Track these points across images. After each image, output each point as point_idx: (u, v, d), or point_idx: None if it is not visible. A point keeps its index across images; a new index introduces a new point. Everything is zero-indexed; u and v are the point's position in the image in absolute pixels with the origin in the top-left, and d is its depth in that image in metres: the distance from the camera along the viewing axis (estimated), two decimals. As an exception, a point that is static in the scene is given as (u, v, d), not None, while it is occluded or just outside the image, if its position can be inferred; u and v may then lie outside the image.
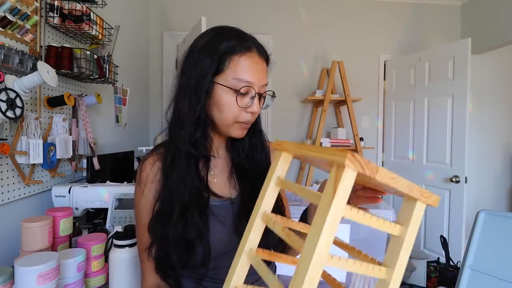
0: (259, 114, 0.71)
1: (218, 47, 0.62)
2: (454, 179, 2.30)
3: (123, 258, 0.83)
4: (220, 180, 0.72)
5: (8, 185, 1.05)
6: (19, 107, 0.97)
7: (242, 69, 0.62)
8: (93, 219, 1.36)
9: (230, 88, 0.62)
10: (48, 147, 1.19)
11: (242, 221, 0.66)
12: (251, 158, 0.72)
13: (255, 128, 0.72)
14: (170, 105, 0.68)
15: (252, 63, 0.63)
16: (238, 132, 0.66)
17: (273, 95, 0.70)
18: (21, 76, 1.02)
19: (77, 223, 1.20)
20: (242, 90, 0.61)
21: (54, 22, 1.22)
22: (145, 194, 0.68)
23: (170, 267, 0.65)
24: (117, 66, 1.65)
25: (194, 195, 0.64)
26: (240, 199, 0.70)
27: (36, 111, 1.18)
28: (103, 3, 1.35)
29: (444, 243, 2.04)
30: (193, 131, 0.64)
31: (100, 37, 1.42)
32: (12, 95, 0.95)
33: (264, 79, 0.65)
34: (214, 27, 0.68)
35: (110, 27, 1.50)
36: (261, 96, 0.66)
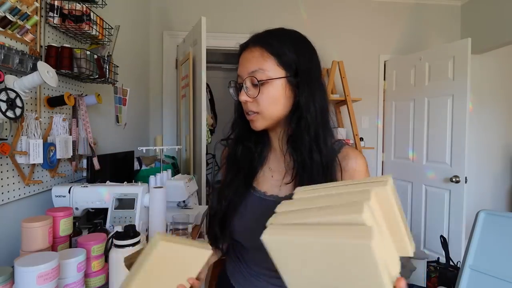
0: (302, 109, 0.65)
1: None
2: (454, 179, 2.30)
3: (123, 258, 0.83)
4: (275, 176, 0.73)
5: (8, 185, 1.05)
6: (19, 107, 0.97)
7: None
8: (93, 219, 1.36)
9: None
10: (48, 147, 1.18)
11: None
12: (308, 159, 0.65)
13: (299, 128, 0.65)
14: None
15: (241, 59, 0.69)
16: (251, 124, 0.70)
17: (260, 82, 0.64)
18: (21, 76, 1.02)
19: (77, 223, 1.20)
20: (232, 84, 0.72)
21: (54, 22, 1.22)
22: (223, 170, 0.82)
23: (212, 233, 0.75)
24: (117, 66, 1.65)
25: (238, 180, 0.72)
26: (285, 199, 0.69)
27: (36, 111, 1.18)
28: (103, 3, 1.35)
29: (444, 243, 2.04)
30: (236, 126, 0.76)
31: (100, 37, 1.42)
32: (12, 95, 0.95)
33: (249, 66, 0.66)
34: None
35: (110, 27, 1.50)
36: (253, 84, 0.66)
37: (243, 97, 0.66)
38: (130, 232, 0.84)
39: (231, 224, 0.71)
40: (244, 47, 0.69)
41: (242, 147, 0.74)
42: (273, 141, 0.75)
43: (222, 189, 0.74)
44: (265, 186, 0.72)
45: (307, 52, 0.69)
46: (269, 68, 0.64)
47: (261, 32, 0.69)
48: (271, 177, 0.73)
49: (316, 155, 0.64)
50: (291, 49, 0.66)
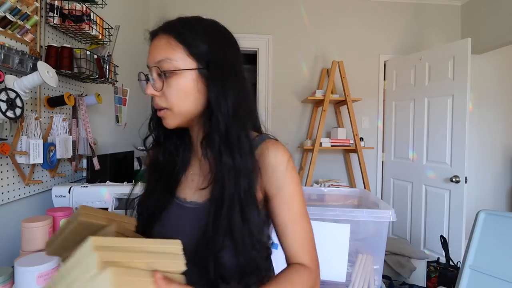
0: (220, 105, 0.58)
1: None
2: (454, 179, 2.30)
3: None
4: (195, 180, 0.66)
5: (8, 185, 1.05)
6: (19, 107, 0.97)
7: None
8: (93, 219, 1.36)
9: None
10: (48, 147, 1.19)
11: (194, 229, 0.60)
12: (219, 162, 0.58)
13: (210, 127, 0.58)
14: None
15: (150, 47, 0.61)
16: (163, 122, 0.63)
17: (165, 72, 0.58)
18: (21, 76, 1.02)
19: (77, 223, 1.19)
20: (141, 77, 0.64)
21: (54, 22, 1.22)
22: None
23: None
24: (117, 66, 1.65)
25: (160, 190, 0.66)
26: (203, 205, 0.62)
27: (36, 111, 1.18)
28: (103, 3, 1.35)
29: (444, 243, 2.04)
30: (154, 125, 0.69)
31: (100, 37, 1.42)
32: (12, 95, 0.95)
33: (155, 55, 0.58)
34: None
35: (110, 27, 1.50)
36: (160, 75, 0.58)
37: (148, 90, 0.60)
38: (130, 232, 0.84)
39: (151, 234, 0.62)
40: (154, 34, 0.61)
41: (163, 152, 0.67)
42: (194, 142, 0.68)
43: (143, 200, 0.67)
44: (185, 192, 0.65)
45: (222, 44, 0.61)
46: (177, 58, 0.57)
47: (173, 19, 0.62)
48: (192, 181, 0.66)
49: (226, 158, 0.56)
50: (203, 39, 0.59)
